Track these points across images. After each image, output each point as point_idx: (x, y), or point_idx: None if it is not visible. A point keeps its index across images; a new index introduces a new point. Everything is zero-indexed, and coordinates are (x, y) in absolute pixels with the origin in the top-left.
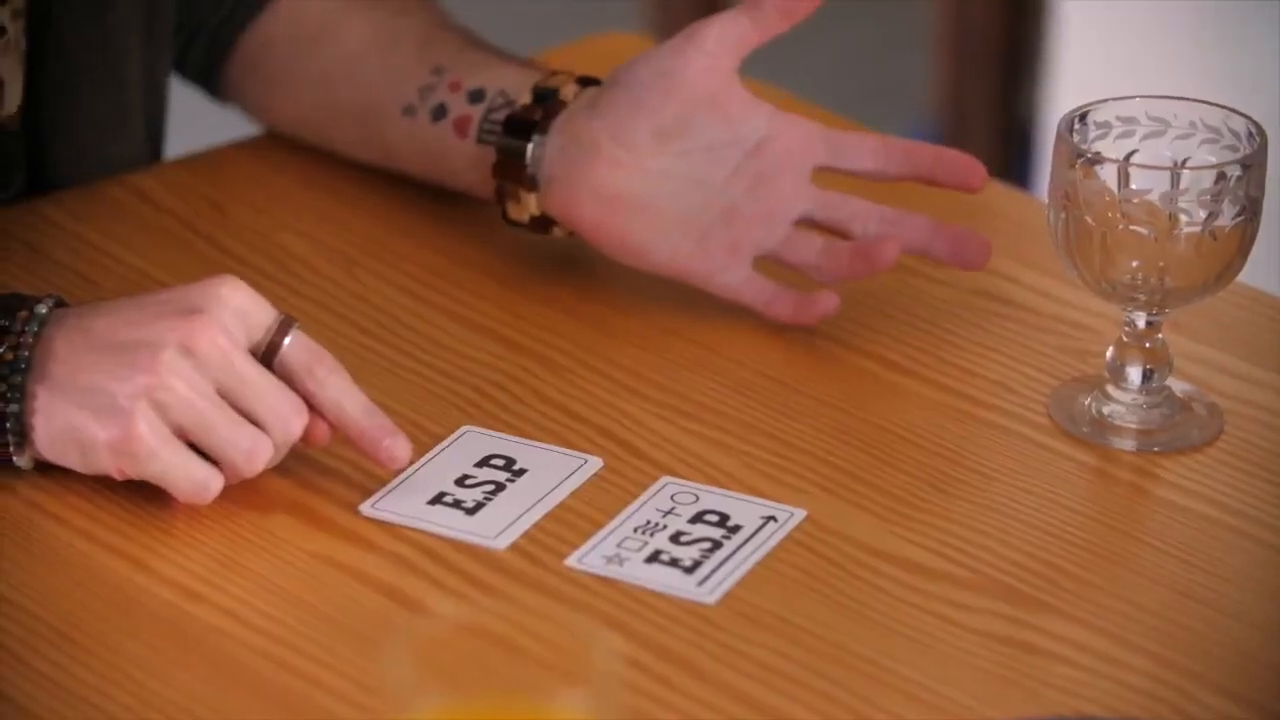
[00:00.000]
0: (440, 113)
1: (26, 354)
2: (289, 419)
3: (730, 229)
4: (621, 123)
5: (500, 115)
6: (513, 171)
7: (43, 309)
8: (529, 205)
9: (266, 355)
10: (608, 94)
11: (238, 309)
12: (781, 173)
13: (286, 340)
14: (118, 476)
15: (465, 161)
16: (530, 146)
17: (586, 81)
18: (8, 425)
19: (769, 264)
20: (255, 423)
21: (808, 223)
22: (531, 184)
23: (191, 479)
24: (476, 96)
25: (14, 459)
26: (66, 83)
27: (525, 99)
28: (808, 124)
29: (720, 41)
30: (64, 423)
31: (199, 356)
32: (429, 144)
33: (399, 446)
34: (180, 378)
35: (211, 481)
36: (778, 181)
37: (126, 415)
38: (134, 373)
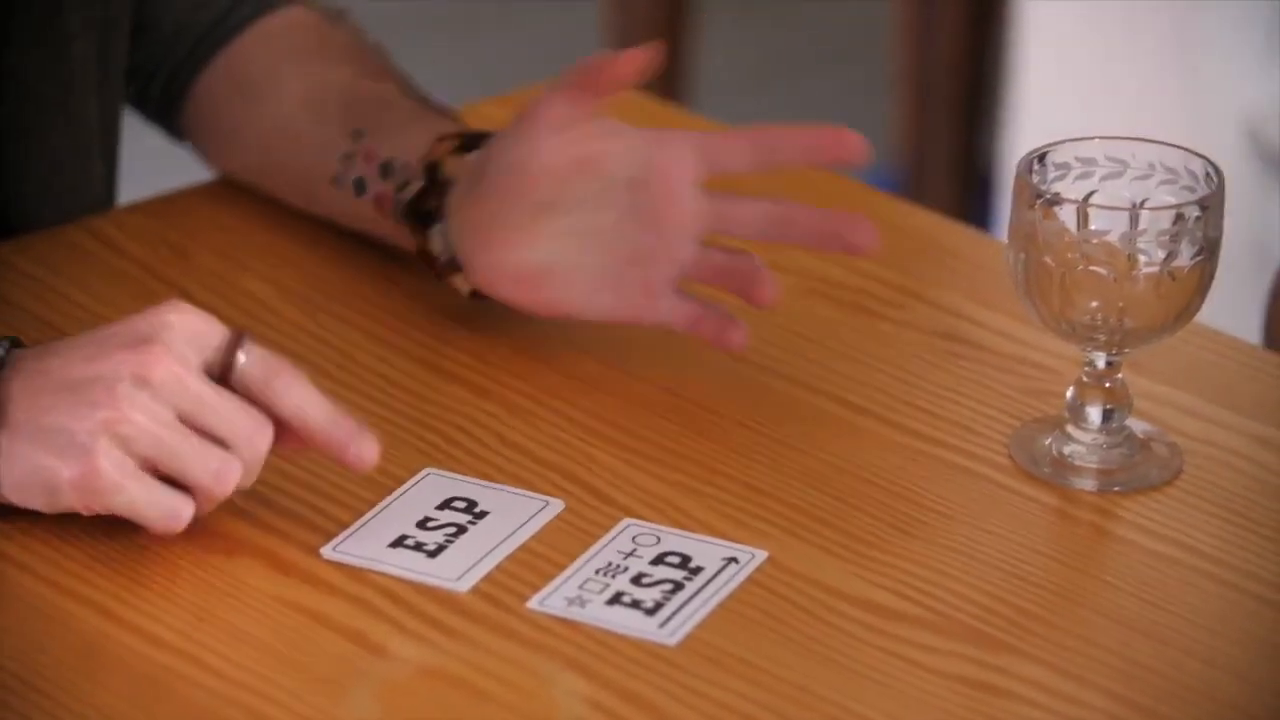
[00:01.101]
0: (361, 187)
1: None
2: (253, 436)
3: (640, 269)
4: (502, 206)
5: (407, 196)
6: (429, 258)
7: None
8: (460, 284)
9: (223, 373)
10: (484, 179)
11: (187, 331)
12: (668, 201)
13: (240, 356)
14: (85, 513)
15: (398, 236)
16: (433, 235)
17: (476, 137)
18: None
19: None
20: (221, 444)
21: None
22: (453, 266)
23: (160, 508)
24: (387, 170)
25: None
26: (25, 122)
27: (419, 180)
28: (677, 142)
29: (559, 116)
30: (27, 465)
31: (154, 385)
32: (360, 217)
33: (366, 448)
34: (138, 409)
35: (182, 509)
36: (667, 210)
37: (88, 452)
38: (92, 409)
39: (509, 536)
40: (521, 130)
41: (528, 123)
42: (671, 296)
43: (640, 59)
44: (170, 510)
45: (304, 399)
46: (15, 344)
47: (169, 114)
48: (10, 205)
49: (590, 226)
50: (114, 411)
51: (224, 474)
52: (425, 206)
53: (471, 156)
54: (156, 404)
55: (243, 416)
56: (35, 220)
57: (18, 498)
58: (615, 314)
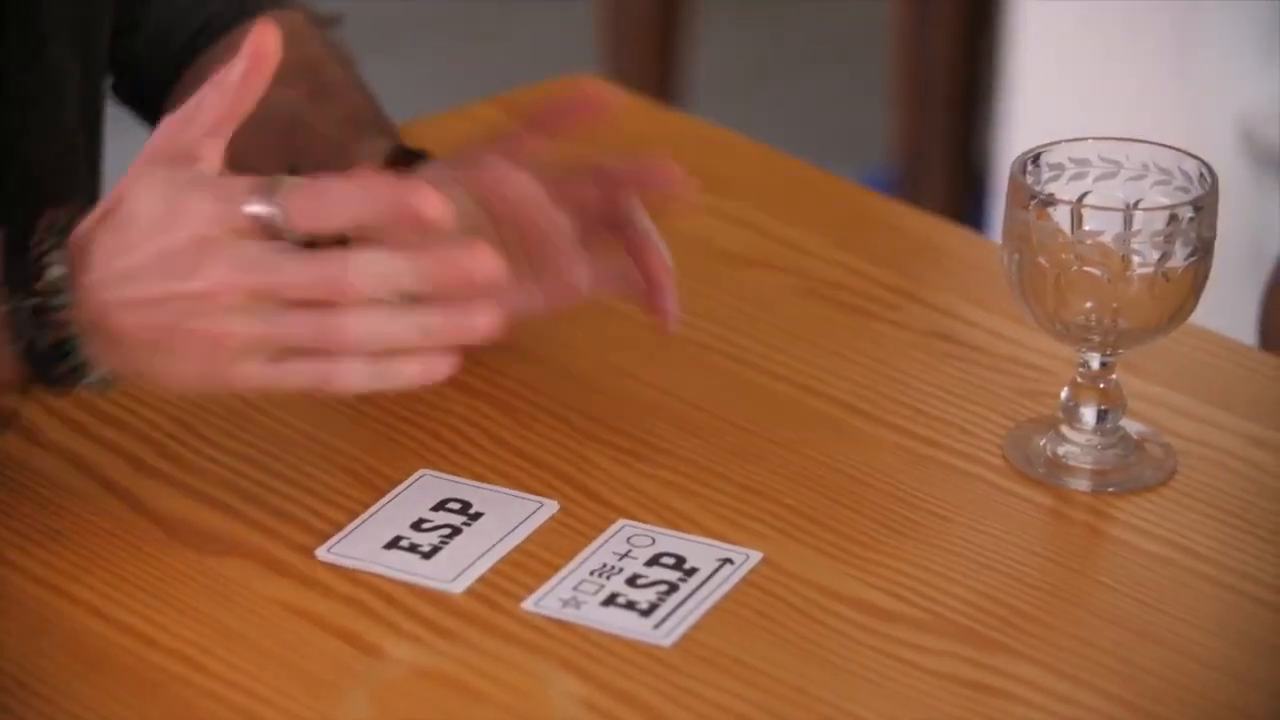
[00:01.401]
0: None
1: (72, 329)
2: (380, 268)
3: (536, 255)
4: None
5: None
6: None
7: (55, 271)
8: None
9: (276, 229)
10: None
11: (220, 220)
12: (500, 187)
13: (276, 200)
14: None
15: None
16: None
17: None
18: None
19: None
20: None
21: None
22: None
23: (325, 381)
24: None
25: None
26: (9, 126)
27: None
28: (481, 158)
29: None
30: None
31: (240, 301)
32: None
33: (428, 199)
34: (249, 335)
35: (353, 376)
36: (505, 198)
37: (226, 371)
38: (209, 349)
39: (504, 538)
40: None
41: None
42: (587, 266)
43: (597, 96)
44: (336, 383)
45: (357, 194)
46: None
47: (157, 116)
48: None
49: (488, 238)
50: (228, 338)
51: (353, 334)
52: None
53: None
54: (252, 319)
55: (336, 264)
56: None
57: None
58: (552, 303)
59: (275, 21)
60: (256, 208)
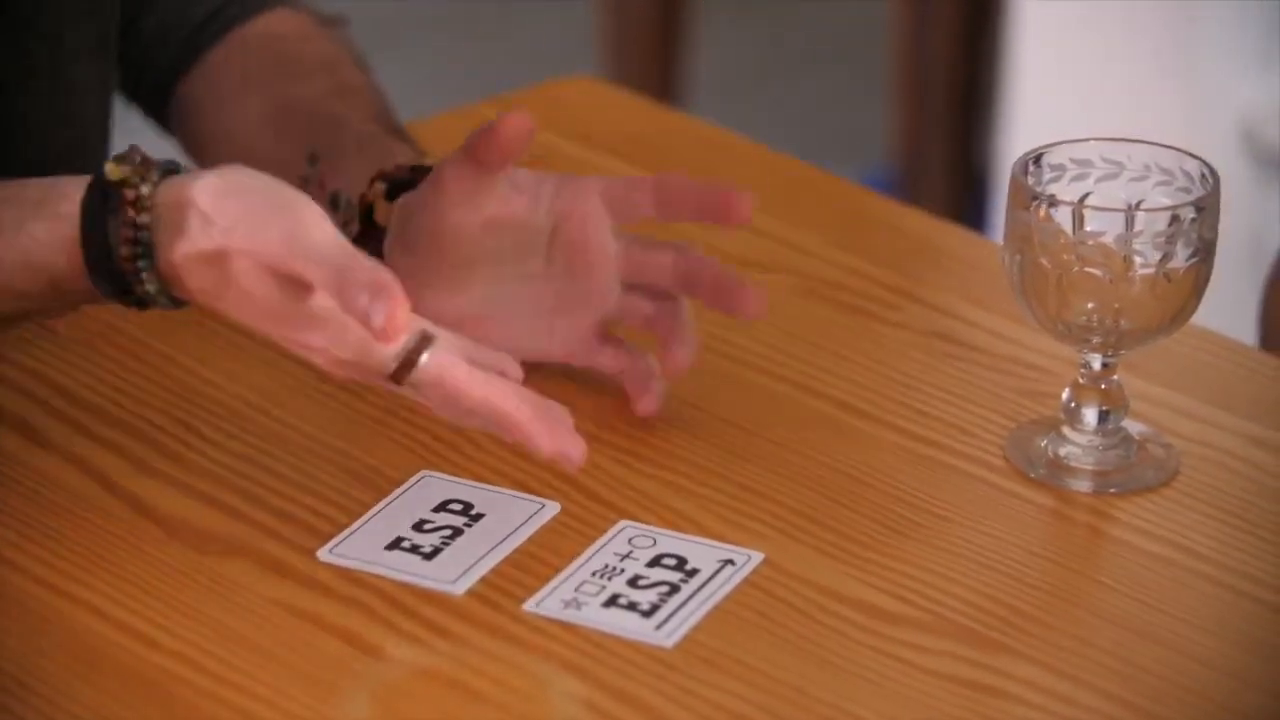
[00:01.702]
0: None
1: (151, 289)
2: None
3: (568, 314)
4: (426, 263)
5: (350, 234)
6: None
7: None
8: None
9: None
10: (406, 236)
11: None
12: (582, 247)
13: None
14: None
15: None
16: None
17: (403, 183)
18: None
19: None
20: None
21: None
22: None
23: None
24: (335, 203)
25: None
26: (21, 115)
27: (356, 222)
28: (583, 191)
29: (461, 186)
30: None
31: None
32: None
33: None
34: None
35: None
36: (583, 256)
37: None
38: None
39: (505, 539)
40: (428, 199)
41: (433, 192)
42: (601, 340)
43: (520, 124)
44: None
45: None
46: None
47: (159, 111)
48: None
49: (515, 274)
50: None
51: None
52: (365, 248)
53: (397, 205)
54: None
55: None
56: None
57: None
58: (550, 356)
59: (284, 19)
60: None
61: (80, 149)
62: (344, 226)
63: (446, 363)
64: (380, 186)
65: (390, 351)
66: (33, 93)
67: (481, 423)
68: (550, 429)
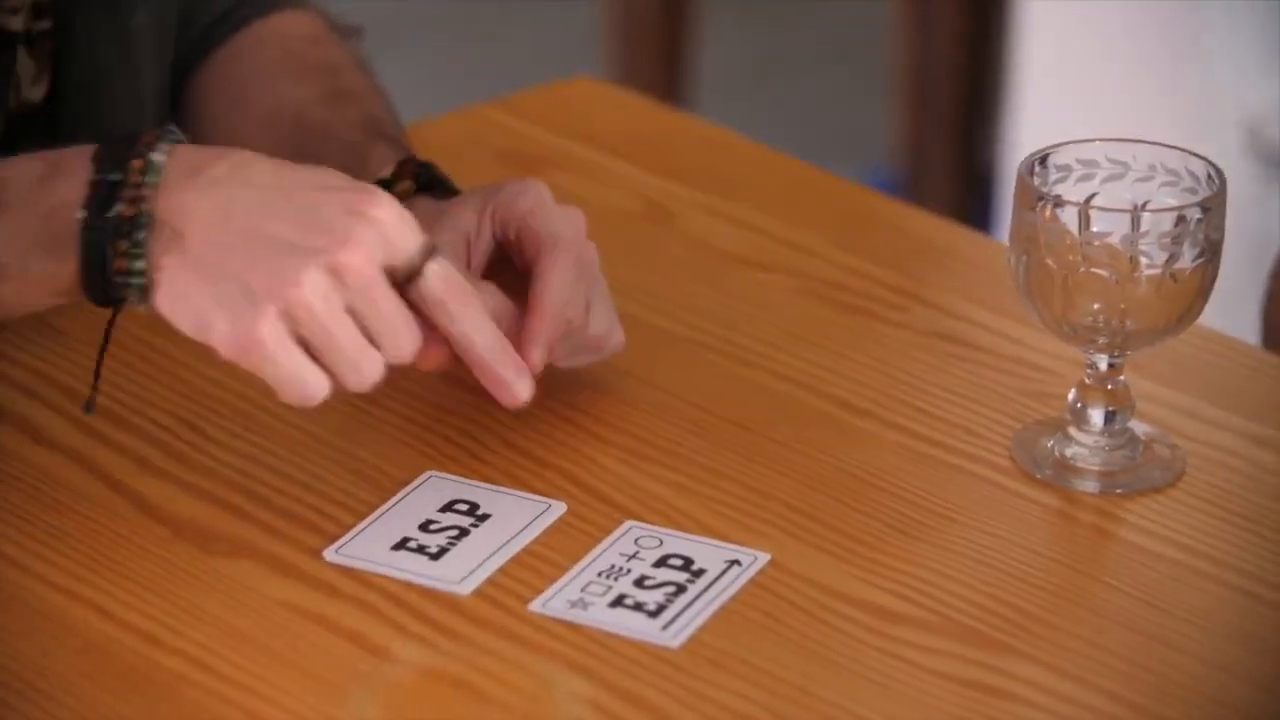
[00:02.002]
0: None
1: (146, 208)
2: (403, 345)
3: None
4: None
5: None
6: None
7: (158, 157)
8: None
9: (406, 278)
10: None
11: (388, 232)
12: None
13: (428, 268)
14: (224, 357)
15: None
16: None
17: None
18: (130, 281)
19: None
20: (371, 342)
21: None
22: None
23: (302, 383)
24: None
25: (134, 305)
26: (85, 87)
27: None
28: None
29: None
30: (189, 297)
31: (342, 280)
32: None
33: (522, 387)
34: (319, 298)
35: (320, 390)
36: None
37: (254, 316)
38: (274, 279)
39: (511, 539)
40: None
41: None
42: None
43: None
44: (311, 389)
45: (475, 326)
46: (176, 141)
47: (173, 104)
48: None
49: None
50: (296, 291)
51: (368, 375)
52: None
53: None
54: (334, 295)
55: (404, 326)
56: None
57: (169, 315)
58: None
59: (297, 21)
60: (421, 248)
61: (137, 100)
62: None
63: (453, 272)
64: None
65: (413, 248)
66: (94, 34)
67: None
68: (499, 379)
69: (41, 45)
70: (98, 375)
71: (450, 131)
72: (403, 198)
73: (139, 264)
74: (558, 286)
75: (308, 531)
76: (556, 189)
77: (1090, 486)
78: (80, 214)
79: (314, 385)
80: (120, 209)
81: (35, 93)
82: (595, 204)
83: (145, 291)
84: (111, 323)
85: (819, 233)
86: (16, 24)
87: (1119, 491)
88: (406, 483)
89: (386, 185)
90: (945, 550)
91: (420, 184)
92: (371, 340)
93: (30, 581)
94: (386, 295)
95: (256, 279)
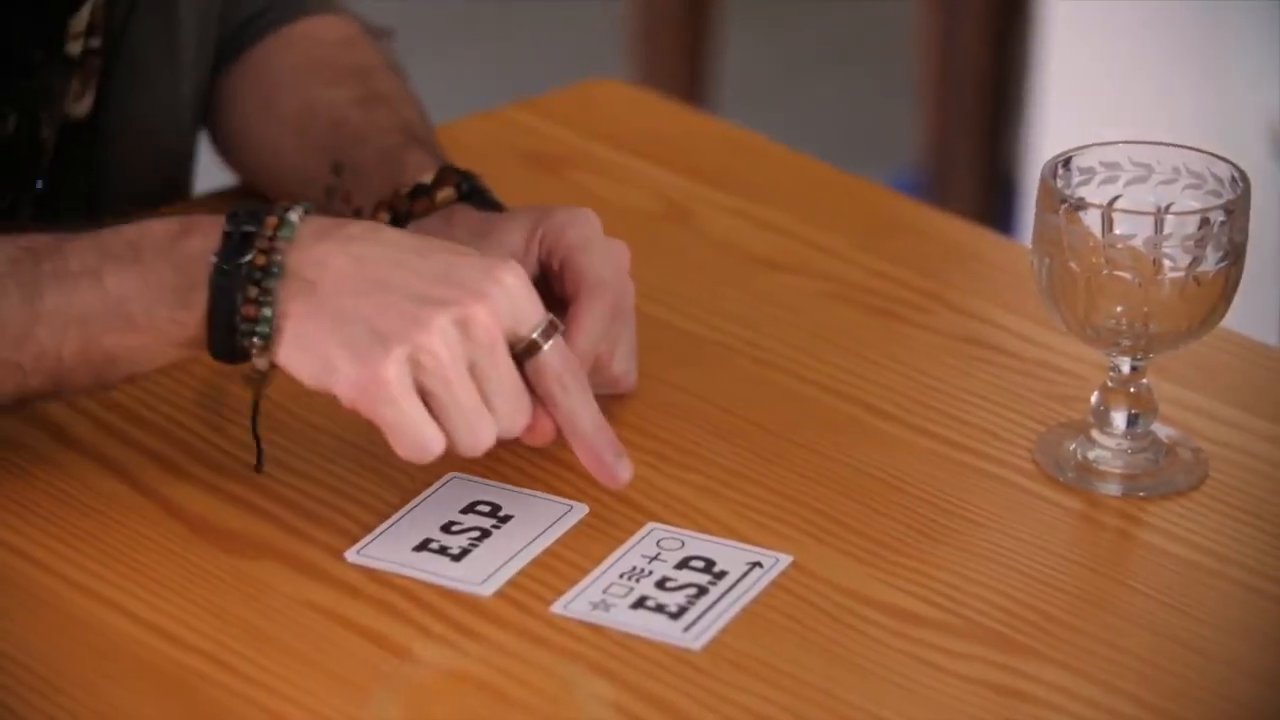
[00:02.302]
0: None
1: (279, 258)
2: (517, 418)
3: None
4: None
5: None
6: None
7: (293, 216)
8: None
9: (524, 351)
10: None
11: (516, 300)
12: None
13: (547, 345)
14: (346, 405)
15: None
16: None
17: (405, 215)
18: (256, 329)
19: None
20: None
21: None
22: None
23: (419, 436)
24: (360, 217)
25: (254, 359)
26: (131, 93)
27: None
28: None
29: (470, 230)
30: (314, 343)
31: (469, 335)
32: None
33: (622, 468)
34: (447, 348)
35: (436, 444)
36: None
37: (381, 355)
38: (405, 322)
39: (533, 540)
40: (439, 233)
41: (445, 228)
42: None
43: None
44: (426, 443)
45: (583, 404)
46: (309, 212)
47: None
48: (98, 169)
49: None
50: (424, 336)
51: (482, 442)
52: None
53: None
54: (459, 347)
55: (520, 400)
56: (119, 183)
57: (289, 363)
58: None
59: (330, 25)
60: (544, 322)
61: (176, 105)
62: None
63: (568, 350)
64: (384, 217)
65: (536, 319)
66: (143, 51)
67: (535, 431)
68: (600, 460)
69: (89, 63)
70: (257, 438)
71: (474, 133)
72: (444, 205)
73: (266, 311)
74: (588, 332)
75: (330, 532)
76: (579, 190)
77: (1113, 489)
78: (212, 259)
79: (431, 437)
80: (253, 257)
81: (80, 109)
82: (617, 205)
83: (269, 341)
84: (259, 390)
85: (843, 235)
86: (75, 49)
87: (1142, 494)
88: (428, 484)
89: (427, 191)
90: (968, 553)
91: (462, 194)
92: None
93: (52, 581)
94: (507, 359)
95: (386, 323)
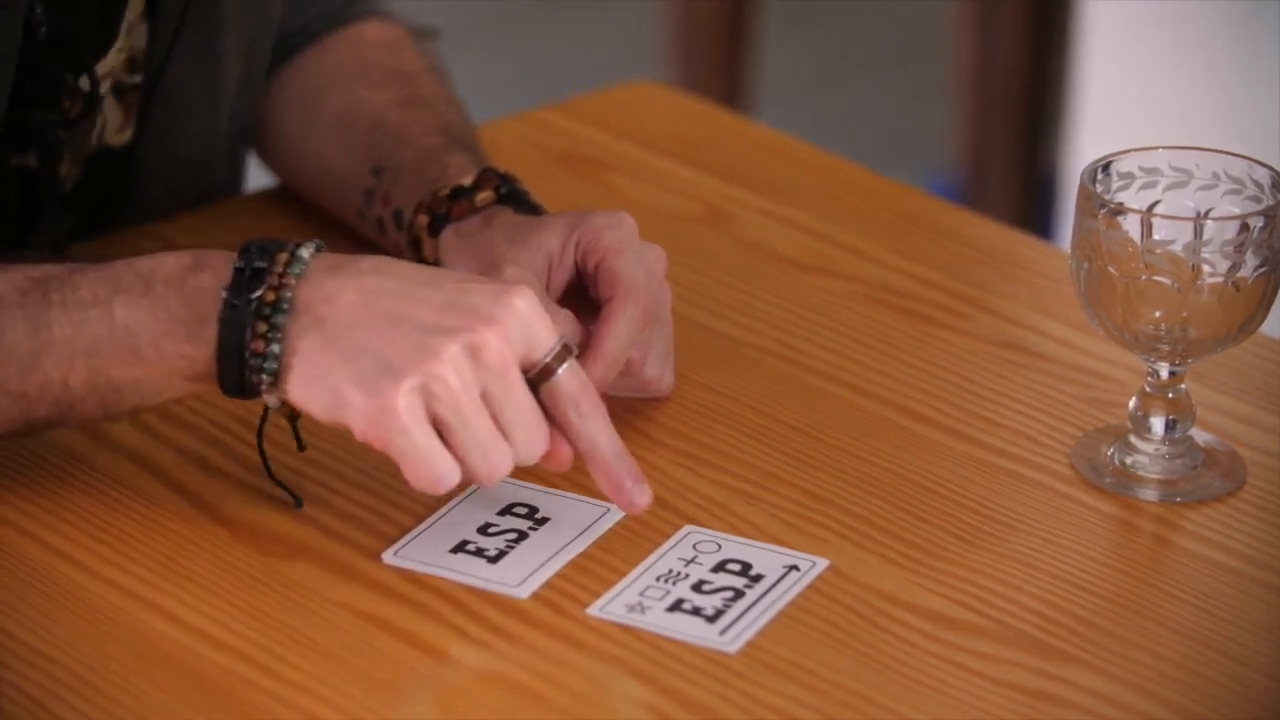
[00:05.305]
0: (381, 228)
1: (289, 294)
2: (534, 445)
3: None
4: None
5: (409, 255)
6: None
7: (304, 252)
8: None
9: (537, 376)
10: (457, 265)
11: (528, 324)
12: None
13: (561, 369)
14: (359, 438)
15: None
16: None
17: (442, 218)
18: (265, 365)
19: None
20: (502, 436)
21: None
22: None
23: (432, 467)
24: (399, 220)
25: (264, 396)
26: (170, 130)
27: (410, 248)
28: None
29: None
30: (325, 377)
31: (481, 362)
32: (393, 248)
33: (640, 494)
34: (458, 375)
35: (451, 474)
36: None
37: (392, 385)
38: (415, 352)
39: (570, 543)
40: (477, 233)
41: (485, 229)
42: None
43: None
44: (441, 473)
45: (600, 428)
46: (321, 249)
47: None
48: (146, 182)
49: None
50: (436, 364)
51: (498, 470)
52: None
53: (444, 239)
54: (471, 375)
55: (536, 425)
56: (163, 191)
57: (300, 398)
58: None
59: (377, 29)
60: (558, 345)
61: (215, 133)
62: (409, 246)
63: (584, 374)
64: (424, 219)
65: (550, 343)
66: (183, 64)
67: (553, 457)
68: (620, 486)
69: (129, 95)
70: (272, 476)
71: (510, 134)
72: (483, 207)
73: (275, 347)
74: (619, 335)
75: (366, 534)
76: (615, 192)
77: (1151, 495)
78: (223, 294)
79: (444, 468)
80: (263, 293)
81: (120, 138)
82: (653, 207)
83: (278, 377)
84: (262, 427)
85: (879, 238)
86: (105, 85)
87: (1179, 500)
88: (465, 486)
89: (467, 193)
90: (1005, 558)
91: (501, 196)
92: (503, 436)
93: (89, 581)
94: (521, 384)
95: (396, 354)
